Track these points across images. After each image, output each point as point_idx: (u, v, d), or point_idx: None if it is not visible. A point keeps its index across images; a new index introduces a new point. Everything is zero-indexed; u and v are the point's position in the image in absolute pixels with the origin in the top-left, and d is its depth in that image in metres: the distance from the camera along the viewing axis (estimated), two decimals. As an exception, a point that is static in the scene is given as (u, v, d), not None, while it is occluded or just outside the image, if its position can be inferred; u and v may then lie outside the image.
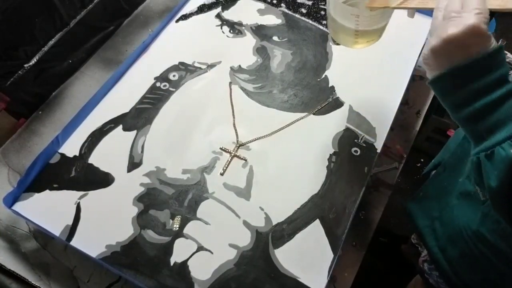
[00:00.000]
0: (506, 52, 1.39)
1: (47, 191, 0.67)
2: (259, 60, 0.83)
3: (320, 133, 0.73)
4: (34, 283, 0.64)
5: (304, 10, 0.90)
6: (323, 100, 0.77)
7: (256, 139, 0.73)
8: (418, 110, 0.86)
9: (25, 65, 0.77)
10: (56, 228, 0.63)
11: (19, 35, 0.74)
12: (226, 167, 0.69)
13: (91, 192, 0.67)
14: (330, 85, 0.79)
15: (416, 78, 0.85)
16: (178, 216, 0.65)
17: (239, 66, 0.82)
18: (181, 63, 0.82)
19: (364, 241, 0.69)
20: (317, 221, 0.65)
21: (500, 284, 0.61)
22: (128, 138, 0.73)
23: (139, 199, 0.66)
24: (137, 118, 0.75)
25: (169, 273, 0.60)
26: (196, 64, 0.82)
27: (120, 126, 0.74)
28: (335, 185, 0.68)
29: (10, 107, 0.76)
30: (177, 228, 0.64)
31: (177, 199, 0.66)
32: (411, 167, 1.54)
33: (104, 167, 0.69)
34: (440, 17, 0.42)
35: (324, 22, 0.88)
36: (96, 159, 0.70)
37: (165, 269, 0.61)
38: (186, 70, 0.81)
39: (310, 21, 0.89)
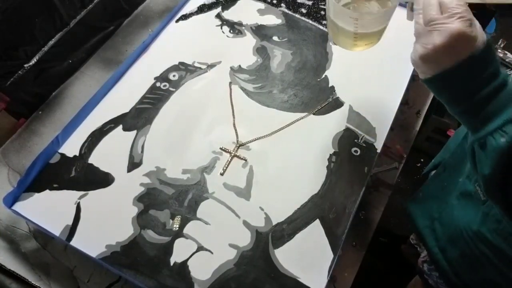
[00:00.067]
0: (506, 52, 1.38)
1: (47, 191, 0.67)
2: (259, 60, 0.83)
3: (320, 133, 0.73)
4: (34, 283, 0.64)
5: (304, 10, 0.90)
6: (323, 100, 0.77)
7: (256, 139, 0.73)
8: (418, 110, 0.86)
9: (25, 65, 0.77)
10: (56, 228, 0.63)
11: (19, 35, 0.74)
12: (226, 167, 0.69)
13: (91, 192, 0.67)
14: (330, 85, 0.79)
15: (416, 78, 0.85)
16: (178, 216, 0.65)
17: (239, 66, 0.82)
18: (181, 63, 0.82)
19: (364, 241, 0.69)
20: (317, 221, 0.65)
21: (500, 284, 0.61)
22: (128, 138, 0.73)
23: (139, 199, 0.66)
24: (137, 118, 0.75)
25: (169, 273, 0.60)
26: (196, 64, 0.82)
27: (120, 126, 0.74)
28: (335, 185, 0.68)
29: (10, 107, 0.76)
30: (177, 228, 0.64)
31: (177, 199, 0.66)
32: (411, 167, 1.54)
33: (104, 167, 0.69)
34: (421, 22, 0.43)
35: (324, 22, 0.88)
36: (96, 159, 0.70)
37: (165, 269, 0.61)
38: (186, 70, 0.81)
39: (310, 21, 0.89)
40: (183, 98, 0.77)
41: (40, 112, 0.82)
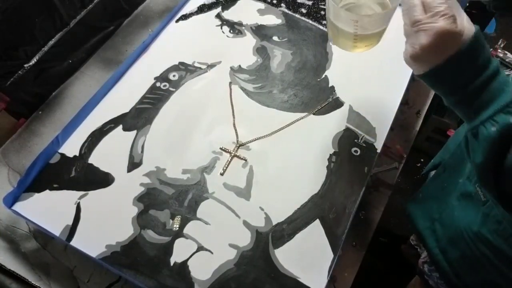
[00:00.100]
0: (506, 52, 1.38)
1: (47, 191, 0.67)
2: (259, 60, 0.83)
3: (320, 133, 0.73)
4: (34, 283, 0.64)
5: (304, 10, 0.90)
6: (323, 100, 0.77)
7: (256, 139, 0.73)
8: (418, 110, 0.86)
9: (25, 65, 0.77)
10: (56, 228, 0.63)
11: (19, 35, 0.74)
12: (226, 167, 0.69)
13: (91, 192, 0.67)
14: (330, 85, 0.79)
15: (416, 78, 0.85)
16: (178, 216, 0.65)
17: (239, 66, 0.82)
18: (181, 63, 0.82)
19: (364, 241, 0.69)
20: (317, 221, 0.65)
21: (501, 285, 0.60)
22: (128, 138, 0.73)
23: (139, 199, 0.66)
24: (137, 118, 0.75)
25: (169, 273, 0.60)
26: (196, 64, 0.82)
27: (120, 126, 0.74)
28: (335, 185, 0.68)
29: (10, 107, 0.76)
30: (177, 228, 0.64)
31: (177, 199, 0.66)
32: (411, 167, 1.54)
33: (104, 167, 0.69)
34: (408, 22, 0.44)
35: (324, 22, 0.88)
36: (96, 159, 0.70)
37: (165, 269, 0.61)
38: (186, 70, 0.81)
39: (310, 21, 0.89)
40: (183, 98, 0.77)
41: (40, 112, 0.82)
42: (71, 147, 0.71)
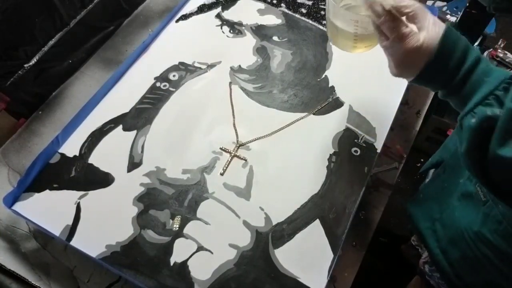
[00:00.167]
0: (506, 52, 1.38)
1: (47, 191, 0.67)
2: (259, 60, 0.83)
3: (320, 133, 0.73)
4: (34, 283, 0.64)
5: (304, 10, 0.90)
6: (323, 100, 0.77)
7: (256, 139, 0.73)
8: (418, 110, 0.86)
9: (25, 65, 0.77)
10: (56, 228, 0.63)
11: (19, 35, 0.74)
12: (226, 167, 0.69)
13: (91, 192, 0.67)
14: (330, 85, 0.79)
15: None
16: (178, 216, 0.65)
17: (239, 66, 0.82)
18: (181, 63, 0.82)
19: (364, 241, 0.69)
20: (317, 221, 0.65)
21: (502, 285, 0.60)
22: (128, 138, 0.73)
23: (139, 199, 0.66)
24: (137, 118, 0.75)
25: (169, 273, 0.60)
26: (196, 64, 0.82)
27: (120, 126, 0.74)
28: (335, 185, 0.68)
29: (10, 107, 0.76)
30: (177, 228, 0.64)
31: (177, 199, 0.66)
32: (411, 167, 1.53)
33: (104, 167, 0.69)
34: (383, 44, 0.50)
35: (324, 22, 0.88)
36: (96, 159, 0.70)
37: (165, 269, 0.61)
38: (186, 70, 0.81)
39: (310, 21, 0.89)
40: (183, 98, 0.77)
41: (40, 112, 0.82)
42: (71, 147, 0.71)
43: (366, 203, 0.72)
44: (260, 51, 0.84)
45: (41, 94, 0.82)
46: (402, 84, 0.78)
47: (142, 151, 0.71)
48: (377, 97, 0.78)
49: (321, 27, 0.88)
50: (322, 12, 0.90)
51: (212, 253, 0.62)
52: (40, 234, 0.68)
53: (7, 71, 0.74)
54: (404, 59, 0.47)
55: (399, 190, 1.48)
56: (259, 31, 0.87)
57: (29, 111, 0.81)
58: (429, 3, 1.20)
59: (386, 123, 0.74)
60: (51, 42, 0.80)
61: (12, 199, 0.65)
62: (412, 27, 0.47)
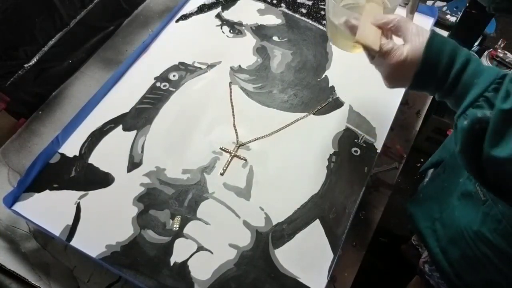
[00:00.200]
0: (506, 52, 1.38)
1: (47, 191, 0.67)
2: (259, 60, 0.83)
3: (320, 133, 0.73)
4: (34, 283, 0.64)
5: (304, 10, 0.90)
6: (323, 100, 0.77)
7: (256, 139, 0.73)
8: (418, 110, 0.86)
9: (25, 65, 0.77)
10: (56, 228, 0.63)
11: (19, 35, 0.74)
12: (226, 167, 0.69)
13: (91, 192, 0.67)
14: (330, 85, 0.79)
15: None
16: (178, 216, 0.65)
17: (239, 66, 0.82)
18: (181, 63, 0.82)
19: (364, 241, 0.69)
20: (317, 221, 0.65)
21: (502, 285, 0.60)
22: (128, 138, 0.73)
23: (139, 199, 0.66)
24: (137, 118, 0.75)
25: (169, 273, 0.60)
26: (196, 64, 0.82)
27: (120, 126, 0.74)
28: (335, 185, 0.68)
29: (10, 107, 0.76)
30: (177, 228, 0.64)
31: (177, 199, 0.66)
32: (411, 167, 1.53)
33: (104, 167, 0.69)
34: (371, 61, 0.53)
35: (324, 22, 0.88)
36: (96, 159, 0.70)
37: (165, 269, 0.61)
38: (186, 70, 0.81)
39: (310, 21, 0.89)
40: (183, 98, 0.77)
41: (40, 112, 0.82)
42: (71, 147, 0.71)
43: (366, 203, 0.72)
44: (260, 51, 0.84)
45: (41, 94, 0.82)
46: (402, 84, 0.78)
47: (142, 151, 0.71)
48: (377, 97, 0.78)
49: (321, 27, 0.88)
50: (322, 12, 0.90)
51: (212, 253, 0.62)
52: (40, 234, 0.68)
53: (7, 71, 0.74)
54: (392, 73, 0.50)
55: (399, 190, 1.48)
56: (259, 31, 0.87)
57: (29, 111, 0.81)
58: (429, 3, 1.20)
59: (386, 123, 0.74)
60: (51, 42, 0.80)
61: (12, 199, 0.65)
62: (395, 41, 0.49)
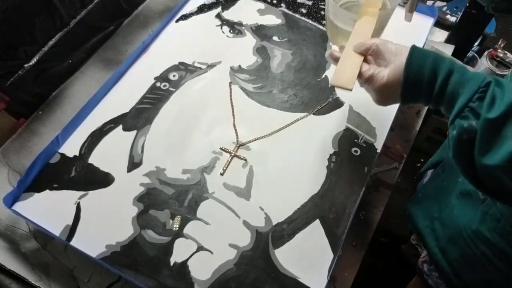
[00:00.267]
0: (506, 52, 1.38)
1: (47, 191, 0.67)
2: (259, 60, 0.83)
3: (320, 133, 0.73)
4: (34, 283, 0.64)
5: (304, 10, 0.90)
6: (323, 100, 0.77)
7: (256, 139, 0.73)
8: (418, 110, 0.86)
9: (25, 65, 0.77)
10: (56, 228, 0.63)
11: (19, 35, 0.74)
12: (226, 167, 0.69)
13: (91, 192, 0.67)
14: (330, 85, 0.79)
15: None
16: (178, 216, 0.65)
17: (239, 66, 0.82)
18: (181, 63, 0.82)
19: (364, 241, 0.69)
20: (317, 221, 0.65)
21: (501, 285, 0.61)
22: (128, 138, 0.73)
23: (139, 199, 0.66)
24: (137, 118, 0.75)
25: (169, 273, 0.60)
26: (196, 64, 0.82)
27: (120, 126, 0.74)
28: (335, 185, 0.68)
29: (10, 107, 0.76)
30: (177, 228, 0.64)
31: (177, 199, 0.66)
32: (411, 167, 1.54)
33: (104, 167, 0.69)
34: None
35: (324, 22, 0.88)
36: (96, 159, 0.70)
37: (165, 269, 0.61)
38: (186, 70, 0.81)
39: (310, 21, 0.89)
40: (183, 98, 0.77)
41: (40, 112, 0.82)
42: (71, 147, 0.71)
43: (366, 203, 0.72)
44: (260, 51, 0.84)
45: (41, 94, 0.82)
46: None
47: (142, 151, 0.71)
48: (377, 97, 0.78)
49: (321, 27, 0.88)
50: (322, 12, 0.90)
51: (212, 253, 0.62)
52: (40, 234, 0.68)
53: (7, 71, 0.74)
54: (378, 96, 0.52)
55: (399, 190, 1.48)
56: (259, 31, 0.87)
57: (29, 111, 0.81)
58: (429, 3, 1.20)
59: (386, 123, 0.74)
60: (51, 42, 0.80)
61: (12, 199, 0.65)
62: (377, 65, 0.52)
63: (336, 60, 0.56)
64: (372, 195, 0.74)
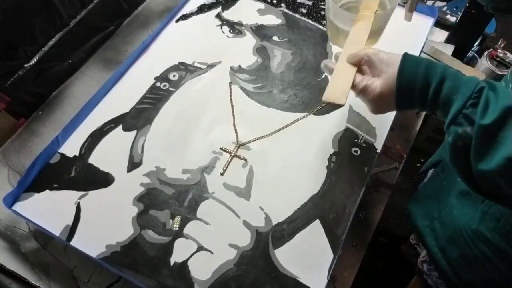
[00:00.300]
0: (506, 52, 1.38)
1: (47, 191, 0.67)
2: (259, 60, 0.83)
3: (320, 133, 0.73)
4: (34, 283, 0.64)
5: (304, 10, 0.90)
6: (323, 100, 0.77)
7: (256, 139, 0.73)
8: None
9: (25, 65, 0.77)
10: (56, 228, 0.63)
11: (19, 35, 0.74)
12: (226, 167, 0.69)
13: (91, 192, 0.67)
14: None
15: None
16: (178, 216, 0.65)
17: (239, 66, 0.82)
18: (181, 63, 0.82)
19: (364, 241, 0.69)
20: (317, 221, 0.65)
21: (500, 284, 0.61)
22: (128, 138, 0.73)
23: (139, 199, 0.66)
24: (137, 118, 0.75)
25: (169, 273, 0.60)
26: (196, 64, 0.82)
27: (120, 126, 0.74)
28: (335, 185, 0.68)
29: (10, 107, 0.76)
30: (177, 228, 0.64)
31: (177, 199, 0.66)
32: (411, 167, 1.54)
33: (104, 167, 0.69)
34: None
35: (324, 22, 0.88)
36: (96, 159, 0.70)
37: (165, 269, 0.61)
38: (186, 70, 0.81)
39: (310, 21, 0.89)
40: (183, 98, 0.77)
41: (40, 112, 0.82)
42: (71, 147, 0.71)
43: (366, 203, 0.72)
44: (260, 51, 0.84)
45: (41, 94, 0.82)
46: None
47: (142, 151, 0.71)
48: (377, 97, 0.78)
49: (321, 27, 0.88)
50: (322, 12, 0.90)
51: (212, 253, 0.62)
52: (40, 234, 0.68)
53: (7, 71, 0.74)
54: (373, 106, 0.53)
55: (399, 190, 1.48)
56: (259, 31, 0.87)
57: (29, 111, 0.81)
58: (429, 3, 1.20)
59: (386, 123, 0.74)
60: (51, 42, 0.80)
61: (12, 199, 0.65)
62: (371, 75, 0.52)
63: (331, 71, 0.56)
64: (372, 195, 0.74)
